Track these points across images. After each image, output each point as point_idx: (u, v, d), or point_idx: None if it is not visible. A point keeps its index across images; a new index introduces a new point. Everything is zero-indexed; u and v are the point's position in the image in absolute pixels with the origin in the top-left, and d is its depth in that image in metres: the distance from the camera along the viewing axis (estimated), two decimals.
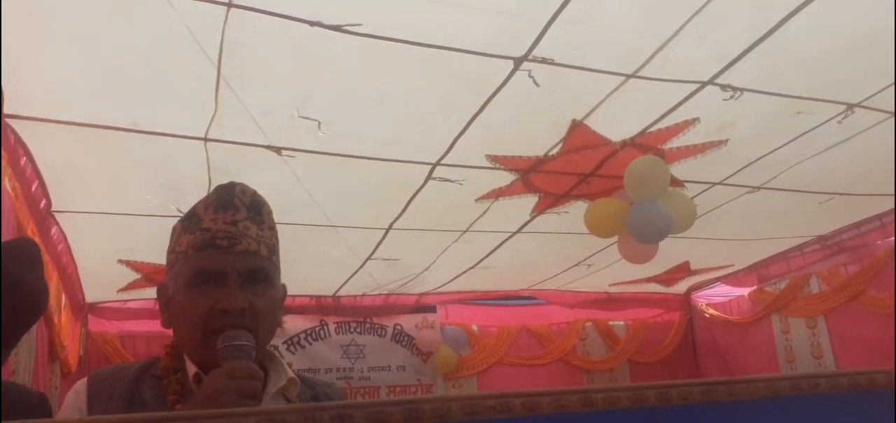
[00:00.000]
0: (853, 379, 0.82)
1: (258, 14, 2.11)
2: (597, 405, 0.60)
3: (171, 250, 1.34)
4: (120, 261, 4.30)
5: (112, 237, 3.87)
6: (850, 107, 3.07)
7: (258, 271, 1.28)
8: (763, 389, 0.75)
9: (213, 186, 3.29)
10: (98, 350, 5.22)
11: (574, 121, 3.02)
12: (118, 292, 4.93)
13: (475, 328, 6.45)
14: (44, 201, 3.20)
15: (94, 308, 5.26)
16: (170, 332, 1.33)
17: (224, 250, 1.25)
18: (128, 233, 3.80)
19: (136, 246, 4.05)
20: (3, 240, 1.26)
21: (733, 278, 6.39)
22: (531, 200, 3.92)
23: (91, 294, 5.02)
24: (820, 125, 3.22)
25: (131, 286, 4.79)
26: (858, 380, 0.83)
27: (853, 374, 0.82)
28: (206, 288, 1.24)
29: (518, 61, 2.49)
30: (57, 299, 3.68)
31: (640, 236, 3.56)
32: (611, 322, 6.83)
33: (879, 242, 4.94)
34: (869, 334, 5.14)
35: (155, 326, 5.34)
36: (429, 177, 3.43)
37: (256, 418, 0.53)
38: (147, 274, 4.56)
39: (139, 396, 1.24)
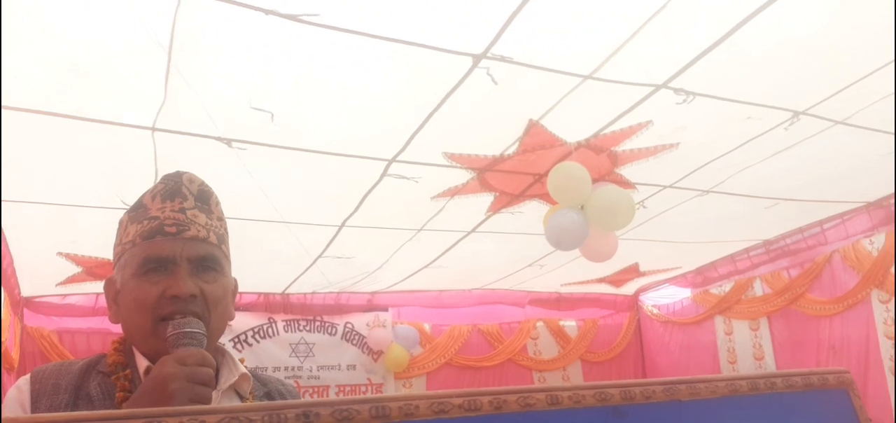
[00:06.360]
0: (807, 379, 0.83)
1: (212, 1, 2.05)
2: (563, 402, 0.59)
3: (118, 243, 1.31)
4: (60, 254, 4.14)
5: (52, 229, 3.72)
6: (797, 114, 3.17)
7: (208, 257, 1.27)
8: (723, 388, 0.75)
9: (159, 178, 3.20)
10: (34, 346, 5.01)
11: (531, 121, 3.03)
12: (57, 285, 4.75)
13: (427, 327, 6.44)
14: None
15: (31, 303, 5.05)
16: (111, 329, 1.29)
17: (172, 236, 1.24)
18: (69, 225, 3.66)
19: (78, 238, 3.91)
20: None
21: (681, 280, 6.54)
22: (486, 200, 3.93)
23: (27, 288, 4.82)
24: (767, 131, 3.31)
25: (71, 280, 4.62)
26: (812, 380, 0.84)
27: (808, 374, 0.83)
28: (155, 276, 1.22)
29: (477, 58, 2.48)
30: None
31: (551, 241, 3.70)
32: (562, 322, 6.91)
33: (820, 247, 5.12)
34: (808, 336, 5.33)
35: (95, 321, 5.17)
36: (384, 174, 3.40)
37: (220, 416, 0.50)
38: (88, 268, 4.40)
39: (86, 391, 1.20)
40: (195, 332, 1.16)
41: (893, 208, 4.45)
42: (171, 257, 1.23)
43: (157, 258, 1.22)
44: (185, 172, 1.31)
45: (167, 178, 1.30)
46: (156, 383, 1.08)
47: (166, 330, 1.16)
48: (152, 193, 1.29)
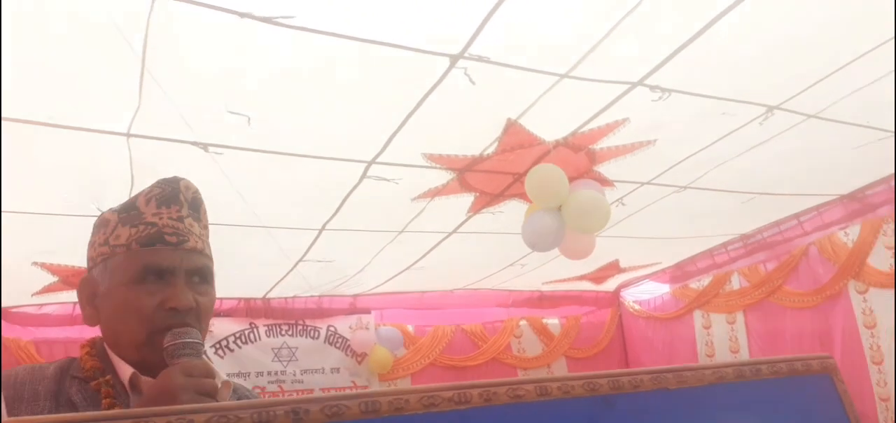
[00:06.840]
0: (792, 365, 0.84)
1: (186, 4, 2.03)
2: (552, 394, 0.59)
3: (104, 243, 1.27)
4: (36, 263, 4.07)
5: (27, 238, 3.66)
6: (771, 109, 3.21)
7: (203, 269, 1.26)
8: (709, 376, 0.76)
9: (135, 184, 3.16)
10: (11, 358, 4.93)
11: (509, 120, 3.04)
12: (33, 295, 4.67)
13: (410, 328, 6.43)
14: None
15: (7, 313, 4.96)
16: (89, 335, 1.27)
17: (173, 246, 1.22)
18: (44, 234, 3.60)
19: (54, 248, 3.85)
20: None
21: (661, 275, 6.59)
22: (467, 200, 3.93)
23: (3, 299, 4.73)
24: (742, 126, 3.34)
25: (47, 289, 4.55)
26: (796, 366, 0.85)
27: (792, 360, 0.84)
28: (152, 285, 1.21)
29: (454, 59, 2.48)
30: None
31: (527, 242, 3.75)
32: (545, 320, 6.93)
33: (796, 239, 5.18)
34: (782, 327, 5.39)
35: (73, 331, 5.09)
36: (364, 175, 3.39)
37: (209, 415, 0.49)
38: (65, 277, 4.33)
39: (66, 397, 1.17)
40: (194, 342, 1.15)
41: (892, 194, 4.45)
42: (170, 267, 1.21)
43: (157, 268, 1.21)
44: (182, 179, 1.29)
45: (164, 182, 1.28)
46: (165, 393, 1.07)
47: (161, 341, 1.15)
48: (147, 197, 1.26)
